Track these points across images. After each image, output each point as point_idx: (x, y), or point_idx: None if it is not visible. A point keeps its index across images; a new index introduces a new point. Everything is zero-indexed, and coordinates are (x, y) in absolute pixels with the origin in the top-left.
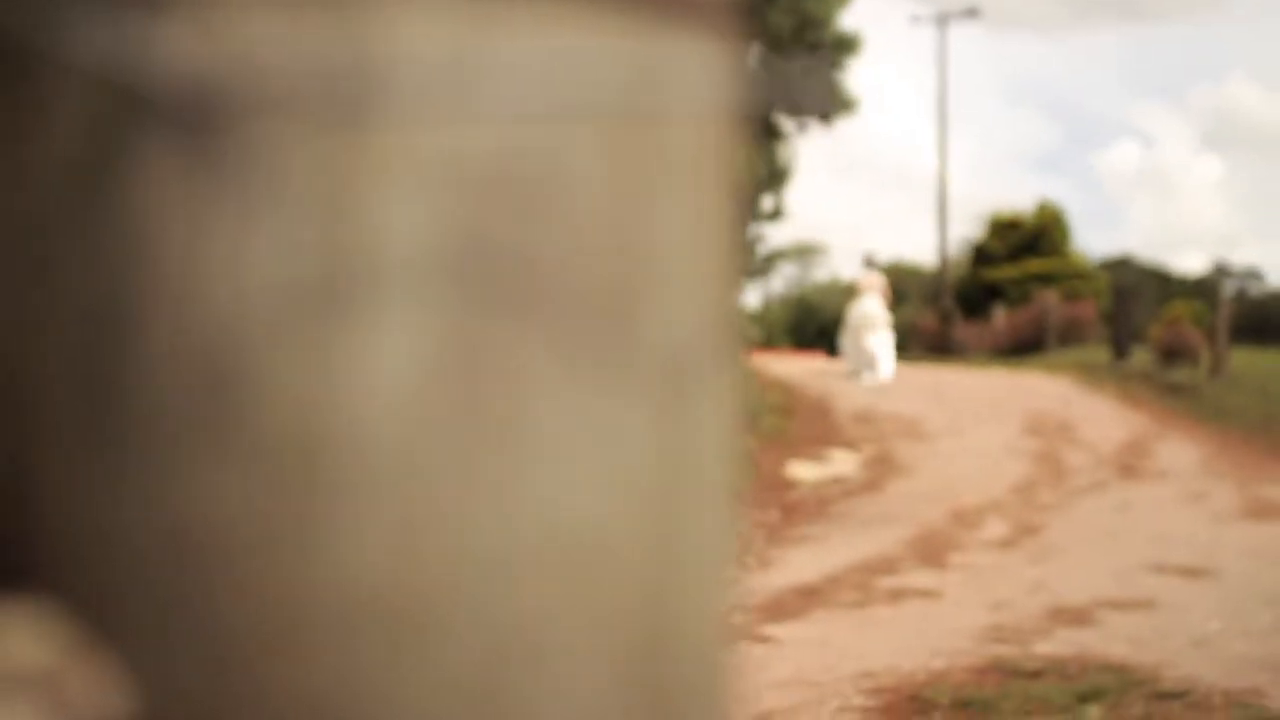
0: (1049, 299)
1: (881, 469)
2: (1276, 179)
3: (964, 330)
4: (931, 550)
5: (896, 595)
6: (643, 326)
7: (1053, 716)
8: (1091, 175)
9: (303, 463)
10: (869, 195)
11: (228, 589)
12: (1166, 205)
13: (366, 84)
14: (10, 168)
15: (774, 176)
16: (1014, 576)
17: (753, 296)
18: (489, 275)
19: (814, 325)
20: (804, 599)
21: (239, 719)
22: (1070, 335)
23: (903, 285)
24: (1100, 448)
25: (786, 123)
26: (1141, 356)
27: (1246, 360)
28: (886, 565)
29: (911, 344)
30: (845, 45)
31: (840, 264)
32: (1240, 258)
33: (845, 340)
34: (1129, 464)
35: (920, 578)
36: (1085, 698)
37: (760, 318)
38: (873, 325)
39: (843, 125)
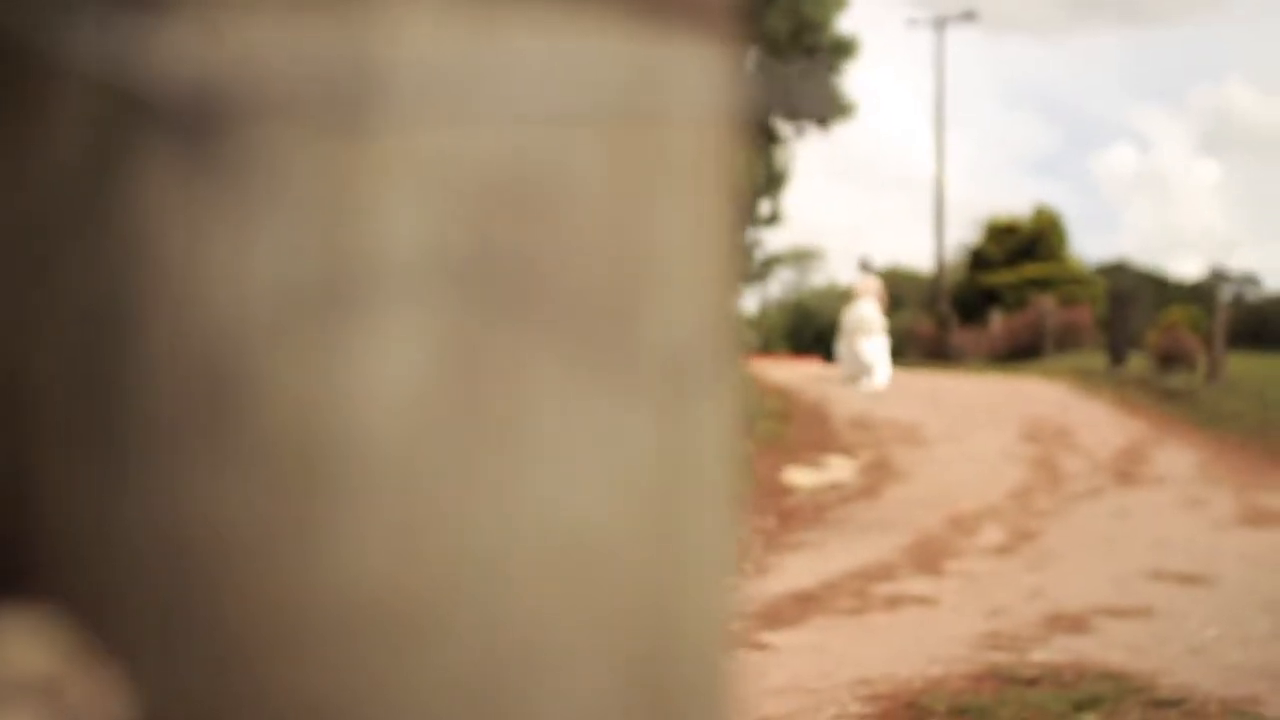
0: (1046, 304)
1: (878, 475)
2: (1274, 182)
3: (961, 335)
4: (928, 557)
5: (893, 602)
6: (643, 328)
7: None
8: (1089, 179)
9: (303, 465)
10: (866, 199)
11: (228, 590)
12: (1163, 209)
13: (367, 87)
14: (11, 169)
15: (771, 181)
16: (1011, 583)
17: (750, 301)
18: (489, 277)
19: (811, 330)
20: (801, 606)
21: None
22: (1067, 341)
23: (899, 290)
24: (1097, 453)
25: (784, 127)
26: (1138, 362)
27: (1243, 365)
28: (884, 572)
29: (908, 349)
30: (842, 49)
31: (837, 268)
32: (1237, 262)
33: (841, 345)
34: (1126, 470)
35: (917, 584)
36: (1082, 705)
37: (757, 323)
38: (868, 330)
39: (840, 129)
